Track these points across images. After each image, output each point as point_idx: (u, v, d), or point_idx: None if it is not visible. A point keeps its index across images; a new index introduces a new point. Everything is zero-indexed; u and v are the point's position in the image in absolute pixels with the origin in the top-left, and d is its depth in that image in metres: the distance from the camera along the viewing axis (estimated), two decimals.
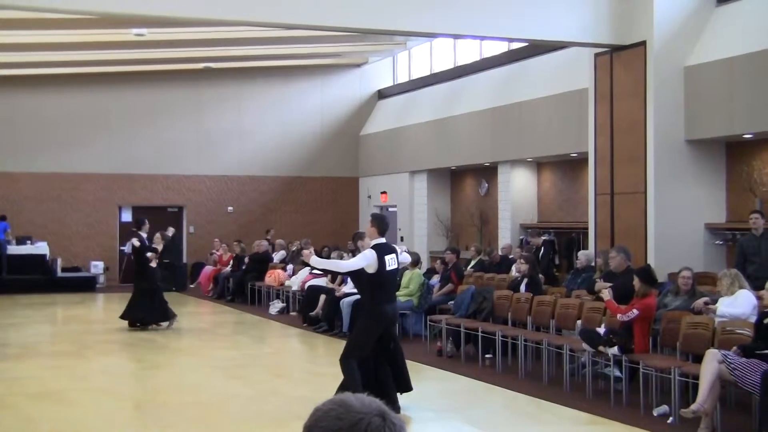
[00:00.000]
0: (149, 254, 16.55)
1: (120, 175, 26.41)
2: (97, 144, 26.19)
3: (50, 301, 21.65)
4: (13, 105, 25.52)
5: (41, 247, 24.37)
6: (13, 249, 24.02)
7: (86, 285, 24.48)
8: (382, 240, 9.50)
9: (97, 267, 25.45)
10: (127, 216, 26.91)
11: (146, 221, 17.16)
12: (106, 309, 21.77)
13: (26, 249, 24.15)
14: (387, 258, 9.30)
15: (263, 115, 27.70)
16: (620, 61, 14.84)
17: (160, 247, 16.87)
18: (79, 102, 26.07)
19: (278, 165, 27.81)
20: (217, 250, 24.64)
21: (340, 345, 14.58)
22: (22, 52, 22.12)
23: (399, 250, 9.84)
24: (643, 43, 14.30)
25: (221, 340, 15.93)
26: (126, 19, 16.49)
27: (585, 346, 10.44)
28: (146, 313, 16.79)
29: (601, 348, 10.17)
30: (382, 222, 9.64)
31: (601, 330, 10.56)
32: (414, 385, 12.03)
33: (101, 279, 25.45)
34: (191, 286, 25.27)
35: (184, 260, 26.07)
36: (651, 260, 13.60)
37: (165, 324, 16.77)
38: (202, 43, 22.28)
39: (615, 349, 9.96)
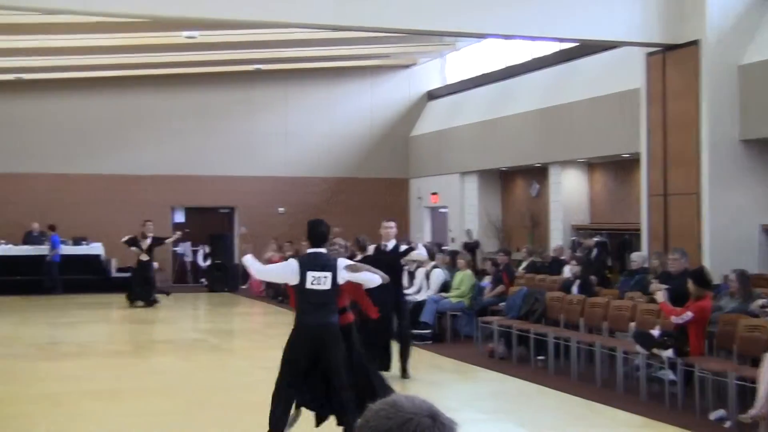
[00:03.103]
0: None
1: (172, 176, 26.67)
2: (149, 146, 26.49)
3: (105, 301, 21.91)
4: (66, 108, 25.88)
5: (96, 248, 24.69)
6: (69, 249, 24.36)
7: None
8: (317, 250, 8.09)
9: None
10: (180, 217, 27.18)
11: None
12: (159, 309, 21.96)
13: (82, 249, 24.49)
14: (311, 275, 7.88)
15: (313, 117, 27.80)
16: (673, 61, 14.66)
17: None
18: (130, 105, 26.39)
19: (328, 166, 27.90)
20: (271, 250, 24.71)
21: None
22: (76, 55, 22.43)
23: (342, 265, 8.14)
24: (696, 42, 14.12)
25: (272, 341, 15.93)
26: (177, 22, 16.65)
27: (638, 348, 10.30)
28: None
29: (655, 350, 10.04)
30: (311, 228, 8.17)
31: (655, 332, 10.41)
32: (466, 386, 11.99)
33: None
34: (243, 286, 25.41)
35: (236, 261, 26.21)
36: (706, 262, 13.42)
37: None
38: (252, 45, 22.42)
39: (669, 352, 9.82)
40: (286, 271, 8.13)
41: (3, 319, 19.40)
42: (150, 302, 21.12)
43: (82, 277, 23.82)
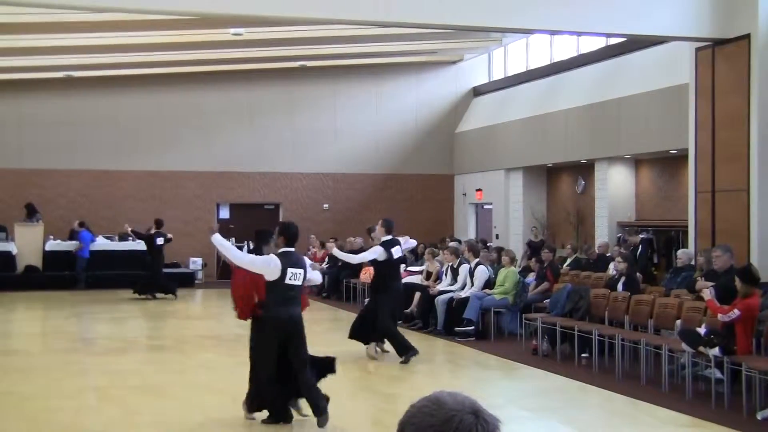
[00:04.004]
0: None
1: (217, 172, 26.89)
2: (194, 142, 26.71)
3: (150, 297, 22.11)
4: (114, 105, 26.18)
5: (142, 244, 24.90)
6: (116, 245, 24.67)
7: (185, 281, 24.87)
8: (290, 249, 8.91)
9: (195, 263, 25.94)
10: (225, 213, 27.38)
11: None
12: (204, 305, 22.18)
13: (128, 245, 24.75)
14: (290, 271, 8.73)
15: (358, 113, 27.87)
16: (723, 56, 14.49)
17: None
18: (177, 101, 26.62)
19: (373, 162, 27.95)
20: (314, 246, 24.81)
21: (434, 343, 14.66)
22: (123, 53, 22.68)
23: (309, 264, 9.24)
24: (747, 37, 13.92)
25: (316, 337, 15.96)
26: (224, 19, 16.76)
27: (684, 346, 10.22)
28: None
29: (701, 348, 9.95)
30: (285, 229, 9.01)
31: (702, 330, 10.31)
32: (510, 383, 11.98)
33: (199, 275, 25.92)
34: None
35: None
36: (754, 260, 13.23)
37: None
38: (298, 41, 22.50)
39: (716, 350, 9.72)
40: (268, 265, 8.77)
41: (52, 314, 19.70)
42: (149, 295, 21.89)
43: (129, 273, 24.07)
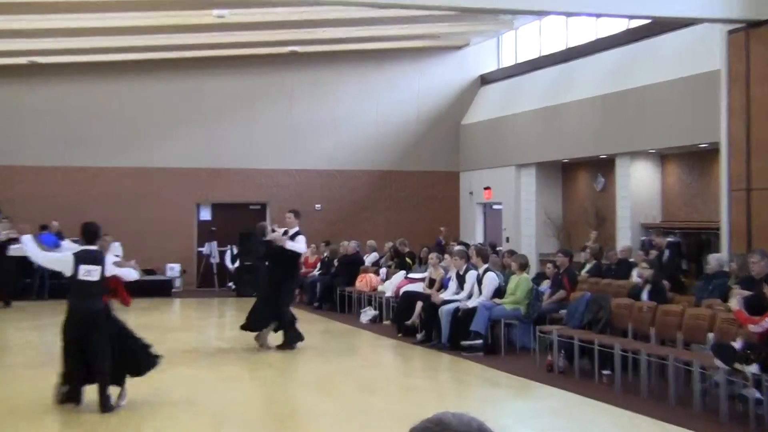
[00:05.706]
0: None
1: (197, 169, 26.80)
2: (171, 137, 26.65)
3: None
4: (84, 95, 26.10)
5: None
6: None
7: (161, 289, 24.74)
8: (89, 247, 10.58)
9: (173, 270, 25.87)
10: (206, 214, 27.30)
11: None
12: (183, 315, 22.10)
13: None
14: (83, 267, 10.32)
15: (354, 104, 27.84)
16: (757, 39, 14.47)
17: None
18: (152, 91, 26.49)
19: (370, 158, 27.93)
20: (311, 251, 24.70)
21: (438, 358, 14.61)
22: (94, 36, 22.61)
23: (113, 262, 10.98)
24: None
25: (307, 351, 16.01)
26: None
27: (718, 362, 10.13)
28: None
29: (737, 365, 9.86)
30: (85, 229, 10.72)
31: (737, 344, 10.23)
32: (522, 402, 11.92)
33: (177, 283, 25.84)
34: None
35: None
36: None
37: None
38: (287, 24, 22.50)
39: (754, 367, 9.64)
40: (63, 262, 10.65)
41: (12, 325, 19.62)
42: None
43: None
